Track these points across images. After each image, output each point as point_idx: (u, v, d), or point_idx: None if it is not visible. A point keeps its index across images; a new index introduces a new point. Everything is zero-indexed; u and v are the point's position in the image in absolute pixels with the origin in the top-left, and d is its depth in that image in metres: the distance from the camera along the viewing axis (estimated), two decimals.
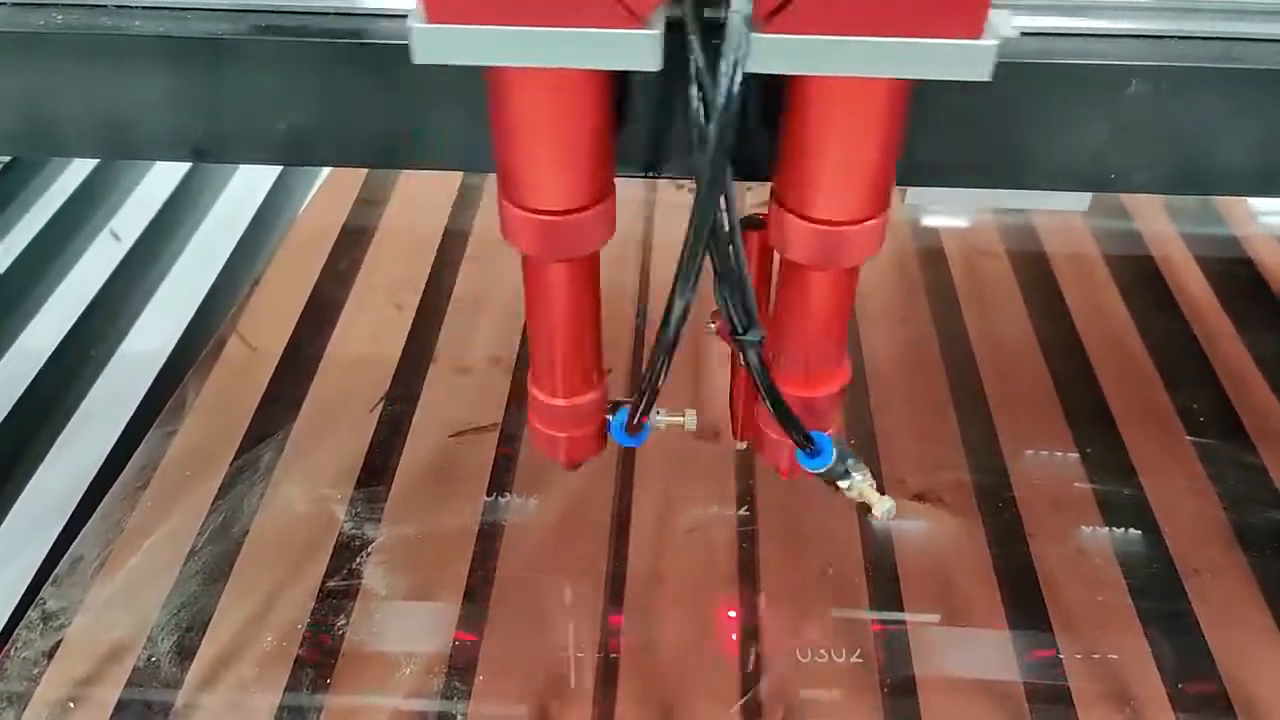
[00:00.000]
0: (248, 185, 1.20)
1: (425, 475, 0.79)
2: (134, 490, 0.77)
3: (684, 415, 0.54)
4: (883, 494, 0.56)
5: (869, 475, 0.56)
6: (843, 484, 0.55)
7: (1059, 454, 0.80)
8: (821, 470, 0.52)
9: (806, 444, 0.49)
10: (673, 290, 0.40)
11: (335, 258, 1.02)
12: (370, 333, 0.93)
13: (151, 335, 0.98)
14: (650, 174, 0.43)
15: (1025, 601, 0.69)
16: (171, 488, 0.78)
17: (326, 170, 1.16)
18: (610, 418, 0.52)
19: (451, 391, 0.87)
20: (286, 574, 0.71)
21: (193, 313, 1.00)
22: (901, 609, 0.69)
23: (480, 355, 0.90)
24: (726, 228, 0.38)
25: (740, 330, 0.43)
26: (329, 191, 1.13)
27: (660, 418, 0.53)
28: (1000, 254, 1.02)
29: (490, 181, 0.44)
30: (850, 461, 0.55)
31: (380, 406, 0.84)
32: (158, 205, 1.11)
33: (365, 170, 1.14)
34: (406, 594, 0.70)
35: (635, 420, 0.51)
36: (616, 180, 0.42)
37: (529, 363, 0.50)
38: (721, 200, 0.37)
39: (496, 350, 0.90)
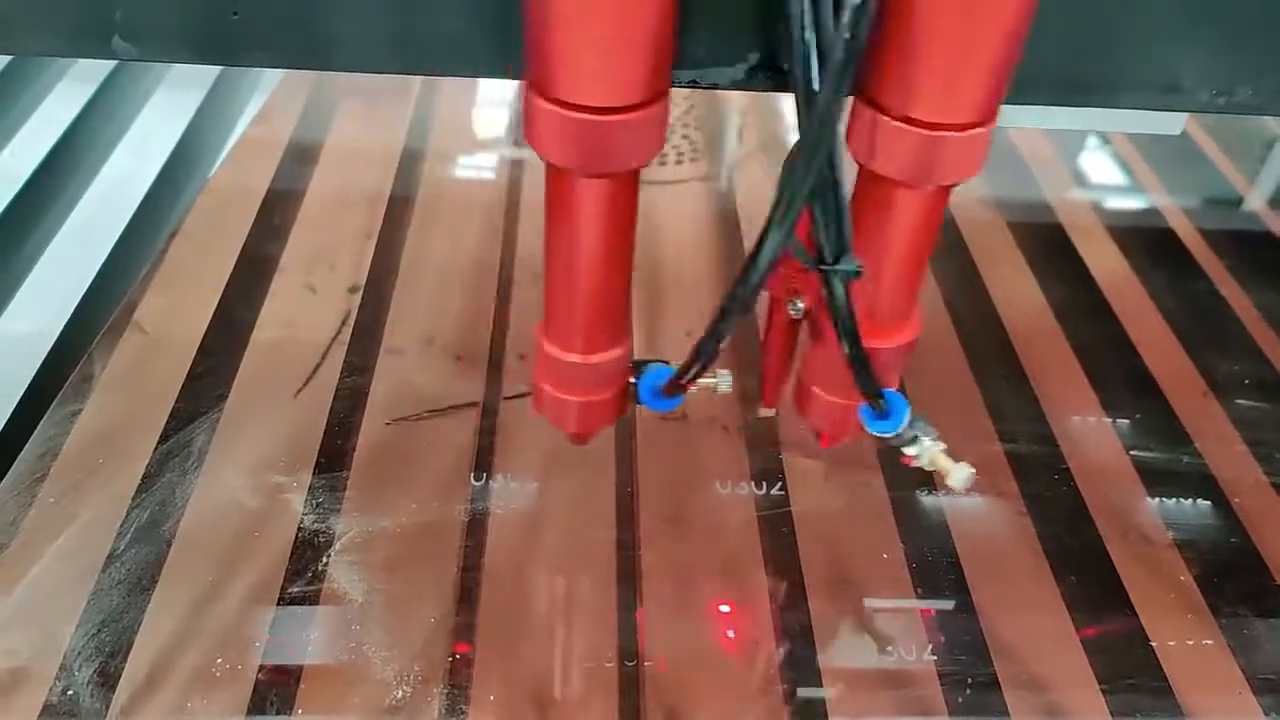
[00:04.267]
0: (155, 127, 1.04)
1: (397, 456, 0.66)
2: (31, 483, 0.63)
3: (716, 376, 0.47)
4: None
5: (940, 440, 0.47)
6: (911, 450, 0.47)
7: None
8: (891, 434, 0.46)
9: (878, 401, 0.43)
10: (770, 219, 0.34)
11: (264, 215, 0.88)
12: (301, 304, 0.79)
13: (47, 296, 0.82)
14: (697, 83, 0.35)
15: None
16: (80, 478, 0.63)
17: (246, 116, 1.02)
18: (635, 380, 0.45)
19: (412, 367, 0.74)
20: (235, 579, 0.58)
21: (95, 272, 0.84)
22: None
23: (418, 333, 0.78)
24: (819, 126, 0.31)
25: (832, 258, 0.36)
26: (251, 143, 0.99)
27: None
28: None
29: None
30: (920, 425, 0.47)
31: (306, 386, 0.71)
32: (48, 145, 0.94)
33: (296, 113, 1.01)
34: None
35: (687, 379, 0.43)
36: None
37: (544, 310, 0.42)
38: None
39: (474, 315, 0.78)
